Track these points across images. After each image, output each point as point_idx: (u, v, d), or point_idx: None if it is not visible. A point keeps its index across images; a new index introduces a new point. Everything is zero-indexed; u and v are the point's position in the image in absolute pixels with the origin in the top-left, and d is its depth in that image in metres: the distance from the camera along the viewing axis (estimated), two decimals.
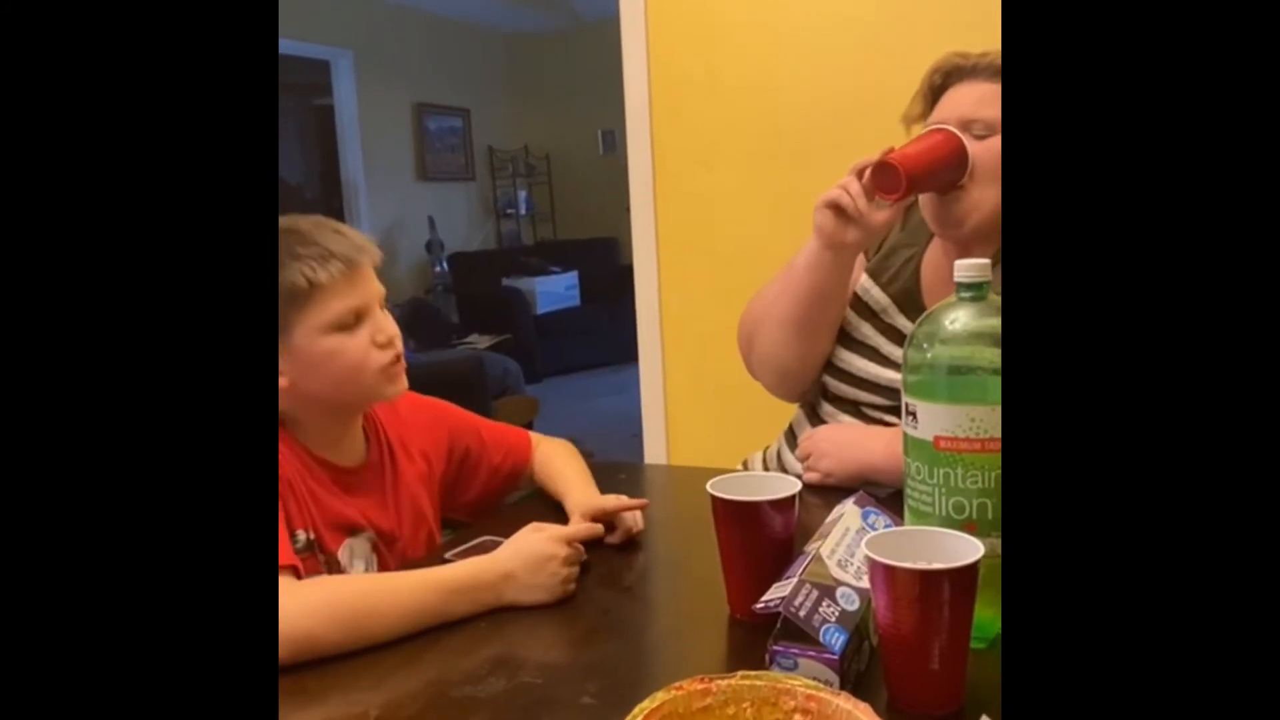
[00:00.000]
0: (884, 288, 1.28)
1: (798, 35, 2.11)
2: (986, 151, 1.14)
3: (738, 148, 2.20)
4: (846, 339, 1.29)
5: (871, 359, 1.25)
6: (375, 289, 1.02)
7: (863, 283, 1.31)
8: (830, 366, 1.30)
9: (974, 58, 1.20)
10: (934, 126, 1.14)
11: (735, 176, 2.21)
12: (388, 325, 1.02)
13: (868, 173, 1.13)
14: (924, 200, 1.19)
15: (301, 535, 0.97)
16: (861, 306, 1.29)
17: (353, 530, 1.02)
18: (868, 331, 1.27)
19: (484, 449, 1.19)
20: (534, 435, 1.26)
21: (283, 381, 0.97)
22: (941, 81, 1.21)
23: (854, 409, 1.27)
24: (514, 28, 7.39)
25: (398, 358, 1.02)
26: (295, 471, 0.98)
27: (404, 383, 1.04)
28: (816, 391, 1.34)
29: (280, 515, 0.91)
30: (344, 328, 0.98)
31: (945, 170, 1.12)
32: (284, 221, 0.99)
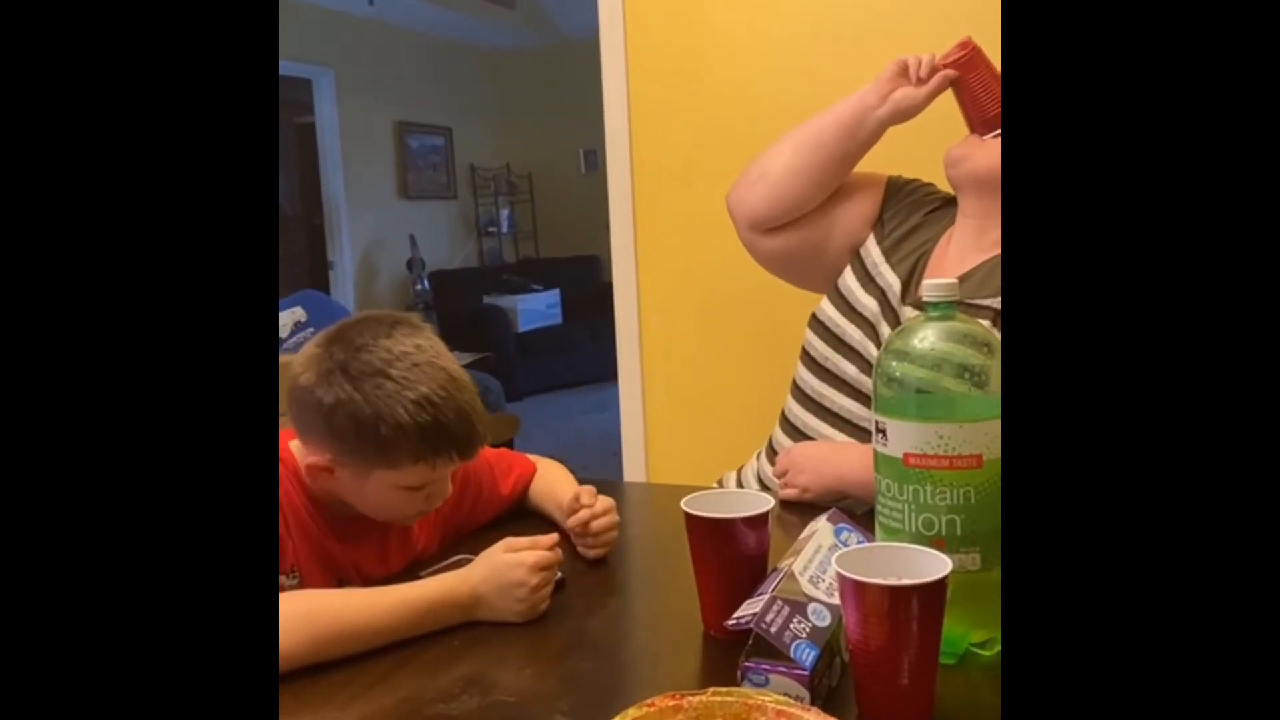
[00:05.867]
0: (892, 267, 1.30)
1: (778, 54, 2.13)
2: None
3: (718, 166, 2.21)
4: (845, 305, 1.30)
5: (868, 334, 1.26)
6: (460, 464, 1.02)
7: (868, 248, 1.32)
8: (820, 326, 1.31)
9: None
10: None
11: (715, 195, 2.21)
12: (445, 490, 1.03)
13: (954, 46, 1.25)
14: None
15: (297, 574, 0.97)
16: (863, 274, 1.31)
17: (339, 580, 1.02)
18: (868, 303, 1.28)
19: (495, 484, 1.19)
20: (534, 459, 1.26)
21: (321, 459, 0.96)
22: None
23: (826, 413, 1.27)
24: (496, 46, 7.41)
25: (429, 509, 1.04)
26: (293, 510, 0.98)
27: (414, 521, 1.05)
28: (791, 407, 1.35)
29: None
30: (411, 489, 0.99)
31: (984, 104, 1.21)
32: (433, 377, 0.96)
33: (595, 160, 7.04)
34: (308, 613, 0.84)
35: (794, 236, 1.36)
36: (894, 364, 0.81)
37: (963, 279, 1.17)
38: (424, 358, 0.96)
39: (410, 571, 1.01)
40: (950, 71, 1.23)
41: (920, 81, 1.24)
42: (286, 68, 5.83)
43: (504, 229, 7.73)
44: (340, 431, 0.95)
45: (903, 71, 1.26)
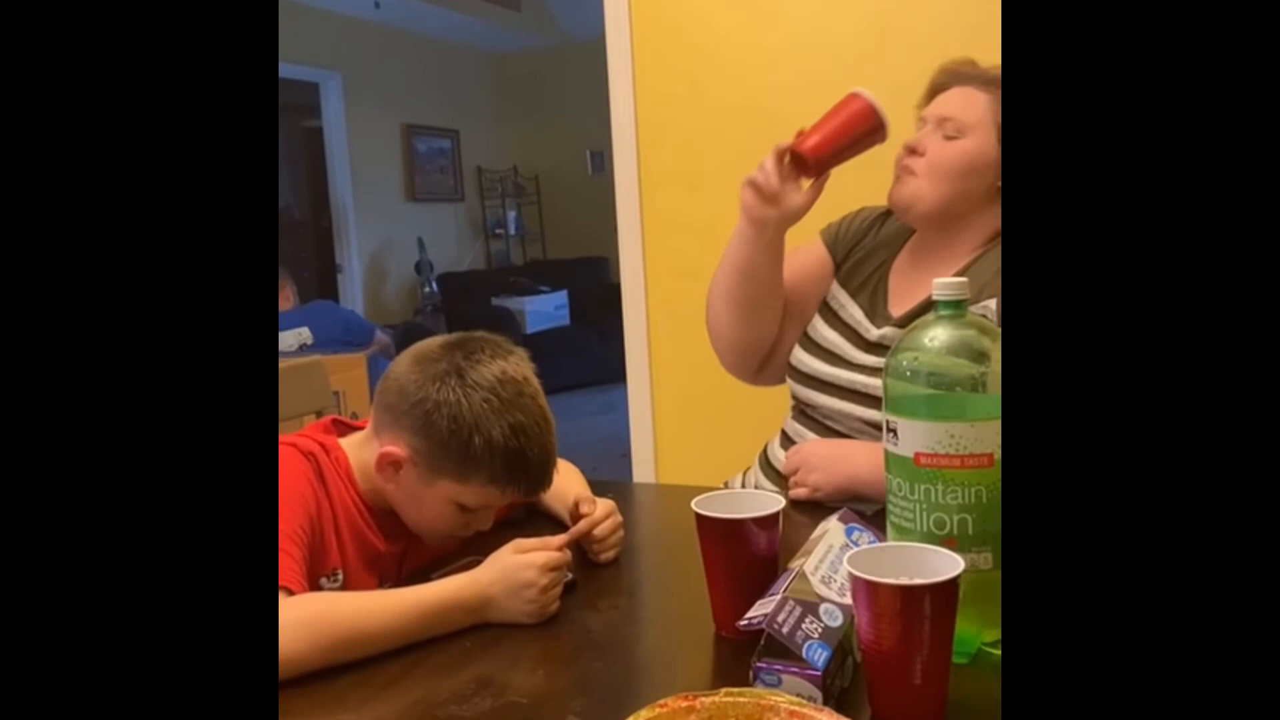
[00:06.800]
0: (853, 295, 1.31)
1: (783, 56, 2.13)
2: (947, 149, 1.20)
3: (724, 168, 2.21)
4: (811, 344, 1.31)
5: (834, 364, 1.27)
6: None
7: (832, 290, 1.34)
8: (794, 371, 1.32)
9: (976, 66, 1.26)
10: (852, 92, 1.20)
11: (722, 197, 2.20)
12: (489, 522, 1.07)
13: (785, 157, 1.20)
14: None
15: (340, 574, 1.00)
16: (828, 313, 1.32)
17: (380, 578, 1.04)
18: (833, 338, 1.29)
19: None
20: None
21: (399, 451, 0.99)
22: (943, 81, 1.28)
23: (822, 428, 1.28)
24: (503, 49, 7.43)
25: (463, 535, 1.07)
26: (340, 509, 1.01)
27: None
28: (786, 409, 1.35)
29: (297, 551, 0.92)
30: (464, 509, 1.03)
31: (856, 142, 1.19)
32: (529, 412, 1.00)
33: (602, 162, 7.04)
34: (317, 617, 0.84)
35: (783, 349, 1.37)
36: (905, 363, 0.81)
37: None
38: (530, 390, 1.02)
39: (423, 573, 1.01)
40: (819, 181, 1.21)
41: (773, 191, 1.20)
42: (293, 72, 5.84)
43: (511, 231, 7.73)
44: (434, 429, 0.98)
45: (759, 192, 1.22)
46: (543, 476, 1.04)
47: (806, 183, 1.23)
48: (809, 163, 1.19)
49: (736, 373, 1.41)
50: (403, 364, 1.04)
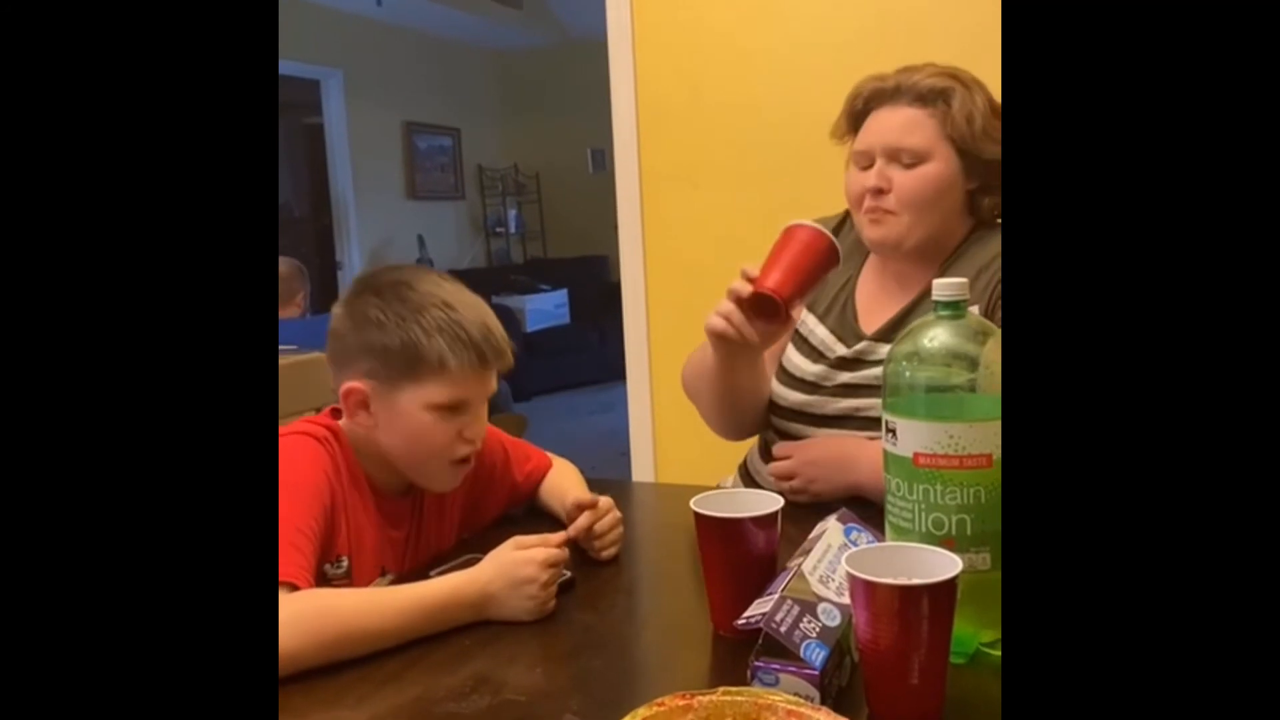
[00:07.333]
0: (821, 318, 1.29)
1: (783, 54, 2.13)
2: (915, 180, 1.17)
3: (725, 166, 2.22)
4: (788, 377, 1.30)
5: (814, 392, 1.26)
6: (489, 389, 1.06)
7: (804, 317, 1.31)
8: (776, 407, 1.31)
9: (893, 79, 1.22)
10: (795, 224, 1.11)
11: (722, 194, 2.22)
12: (480, 426, 1.06)
13: (744, 303, 1.10)
14: (859, 223, 1.22)
15: (345, 561, 1.00)
16: (800, 340, 1.30)
17: (385, 564, 1.05)
18: (807, 366, 1.28)
19: (508, 467, 1.20)
20: (552, 456, 1.27)
21: (356, 383, 1.02)
22: (863, 106, 1.24)
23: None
24: (504, 47, 7.42)
25: (469, 459, 1.06)
26: (349, 495, 1.02)
27: (460, 479, 1.08)
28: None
29: (307, 545, 0.92)
30: (445, 410, 1.02)
31: (817, 274, 1.11)
32: (454, 293, 1.04)
33: (602, 160, 7.03)
34: (318, 614, 0.84)
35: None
36: (904, 363, 0.81)
37: (922, 297, 1.18)
38: (447, 282, 1.05)
39: (422, 571, 1.01)
40: (792, 314, 1.10)
41: (737, 328, 1.11)
42: (294, 69, 5.84)
43: (512, 229, 7.73)
44: (370, 344, 1.01)
45: (723, 337, 1.14)
46: (490, 341, 1.03)
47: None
48: (778, 305, 1.08)
49: (732, 439, 1.39)
50: (334, 315, 1.07)
